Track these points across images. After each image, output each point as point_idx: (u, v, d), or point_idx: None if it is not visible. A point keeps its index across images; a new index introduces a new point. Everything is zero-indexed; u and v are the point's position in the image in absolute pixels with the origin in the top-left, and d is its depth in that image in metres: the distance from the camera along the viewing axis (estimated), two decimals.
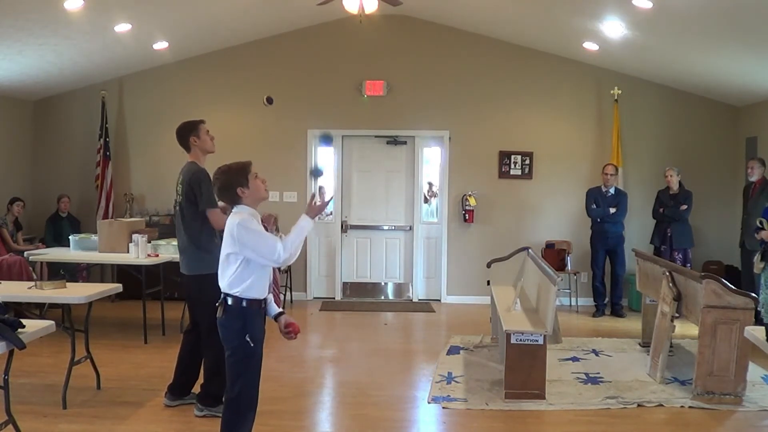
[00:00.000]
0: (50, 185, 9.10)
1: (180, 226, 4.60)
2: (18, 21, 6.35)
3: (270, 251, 3.27)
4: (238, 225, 3.28)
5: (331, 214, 9.18)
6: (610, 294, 8.36)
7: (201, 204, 4.46)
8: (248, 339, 3.32)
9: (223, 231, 4.40)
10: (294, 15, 8.41)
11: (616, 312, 8.24)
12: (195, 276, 4.53)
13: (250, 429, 3.43)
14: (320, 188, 3.39)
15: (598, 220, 8.20)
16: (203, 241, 4.51)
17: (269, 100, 4.95)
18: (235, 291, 3.32)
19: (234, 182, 3.38)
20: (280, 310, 3.56)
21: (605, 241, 8.18)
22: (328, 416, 4.92)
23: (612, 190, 8.22)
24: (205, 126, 4.69)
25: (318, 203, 3.40)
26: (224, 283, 3.37)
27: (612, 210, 8.10)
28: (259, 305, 3.40)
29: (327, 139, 4.17)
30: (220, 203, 4.33)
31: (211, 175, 3.55)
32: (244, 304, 3.33)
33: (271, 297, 3.54)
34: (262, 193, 3.47)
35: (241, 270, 3.31)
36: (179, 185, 4.57)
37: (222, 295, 3.39)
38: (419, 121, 9.02)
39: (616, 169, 8.31)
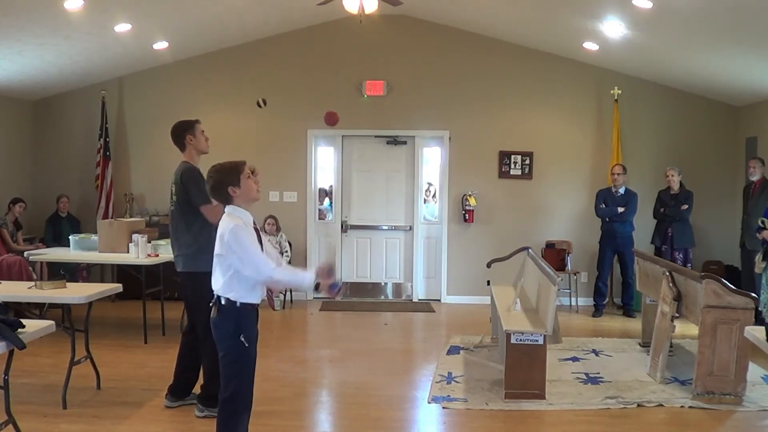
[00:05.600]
0: (50, 185, 9.10)
1: (175, 224, 4.60)
2: (18, 21, 6.36)
3: (256, 269, 3.25)
4: (231, 231, 3.26)
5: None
6: (621, 295, 8.35)
7: (194, 200, 4.45)
8: (243, 339, 3.31)
9: (199, 232, 4.44)
10: (294, 15, 8.41)
11: (627, 313, 8.23)
12: (189, 274, 4.54)
13: (245, 429, 3.43)
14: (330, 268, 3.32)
15: (607, 219, 8.20)
16: (200, 239, 4.50)
17: (262, 103, 4.86)
18: (229, 295, 3.32)
19: (226, 181, 3.36)
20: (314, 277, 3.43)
21: (614, 241, 8.16)
22: (328, 416, 4.92)
23: (622, 190, 8.21)
24: (201, 126, 4.69)
25: (331, 280, 3.31)
26: (217, 285, 3.36)
27: (620, 209, 8.09)
28: (253, 307, 3.39)
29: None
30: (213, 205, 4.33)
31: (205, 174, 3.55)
32: (238, 305, 3.32)
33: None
34: (253, 193, 3.44)
35: (233, 275, 3.30)
36: (173, 185, 4.59)
37: (215, 296, 3.39)
38: (419, 121, 9.02)
39: (624, 169, 8.28)
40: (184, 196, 4.50)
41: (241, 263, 3.26)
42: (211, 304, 3.41)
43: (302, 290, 3.35)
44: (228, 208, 3.40)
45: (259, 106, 4.95)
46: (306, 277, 3.35)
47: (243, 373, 3.36)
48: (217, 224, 3.41)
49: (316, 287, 3.34)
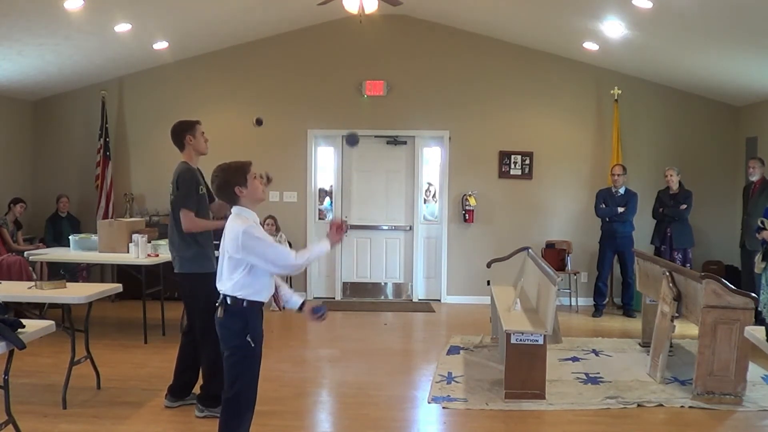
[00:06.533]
0: (50, 185, 9.10)
1: (173, 224, 4.60)
2: (18, 21, 6.36)
3: (282, 258, 3.28)
4: (243, 233, 3.24)
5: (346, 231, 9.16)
6: (621, 295, 8.36)
7: (176, 201, 4.45)
8: (249, 339, 3.31)
9: (194, 233, 4.45)
10: (294, 15, 8.42)
11: (627, 313, 8.23)
12: (187, 275, 4.54)
13: (247, 429, 3.43)
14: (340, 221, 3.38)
15: (607, 219, 8.19)
16: (201, 240, 4.51)
17: (258, 122, 4.89)
18: (238, 294, 3.31)
19: (232, 181, 3.36)
20: (303, 299, 3.58)
21: (614, 241, 8.16)
22: (328, 416, 4.93)
23: (622, 191, 8.22)
24: (201, 127, 4.69)
25: (338, 229, 3.37)
26: (226, 285, 3.35)
27: (620, 209, 8.09)
28: (260, 306, 3.40)
29: (352, 140, 4.02)
30: (218, 201, 4.34)
31: (210, 174, 3.55)
32: (245, 304, 3.32)
33: (286, 290, 3.60)
34: (259, 194, 3.46)
35: (245, 275, 3.29)
36: (171, 185, 4.60)
37: (221, 296, 3.39)
38: (419, 121, 9.02)
39: (624, 169, 8.28)
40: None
41: (263, 260, 3.26)
42: (217, 304, 3.41)
43: (324, 253, 3.44)
44: (235, 209, 3.40)
45: (257, 124, 4.97)
46: (323, 249, 3.39)
47: (248, 373, 3.36)
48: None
49: (301, 307, 3.50)
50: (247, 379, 3.36)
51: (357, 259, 9.24)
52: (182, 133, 4.62)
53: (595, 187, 8.62)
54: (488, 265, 6.93)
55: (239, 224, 3.29)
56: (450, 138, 9.04)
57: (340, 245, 3.19)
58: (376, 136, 9.13)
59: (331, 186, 9.28)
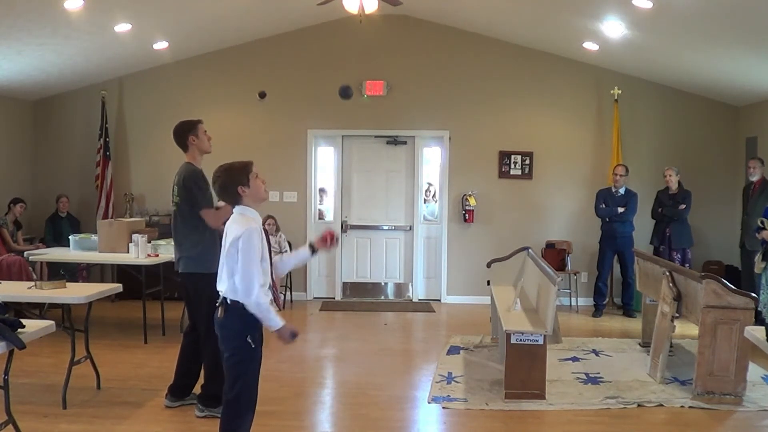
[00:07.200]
0: (50, 185, 9.10)
1: (176, 225, 4.60)
2: (18, 21, 6.36)
3: (250, 280, 3.22)
4: (245, 234, 3.24)
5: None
6: (621, 295, 8.36)
7: (197, 203, 4.45)
8: (249, 340, 3.31)
9: (220, 230, 4.43)
10: (294, 15, 8.42)
11: (627, 313, 8.23)
12: (191, 275, 4.54)
13: (248, 430, 3.42)
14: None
15: (607, 219, 8.20)
16: (205, 240, 4.51)
17: (262, 95, 4.88)
18: (234, 297, 3.31)
19: (235, 180, 3.37)
20: (308, 242, 3.60)
21: (614, 241, 8.16)
22: (328, 416, 4.92)
23: (622, 190, 8.22)
24: (203, 126, 4.69)
25: (291, 335, 3.33)
26: (223, 286, 3.36)
27: (620, 209, 8.09)
28: None
29: (345, 92, 3.83)
30: (221, 203, 4.34)
31: (212, 174, 3.55)
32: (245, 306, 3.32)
33: (290, 257, 3.64)
34: (261, 193, 3.46)
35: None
36: (175, 186, 4.59)
37: (221, 297, 3.38)
38: (419, 121, 9.02)
39: (626, 170, 8.28)
40: (188, 199, 4.49)
41: (240, 267, 3.24)
42: (217, 305, 3.40)
43: (265, 326, 3.32)
44: (238, 209, 3.40)
45: (261, 97, 4.99)
46: (276, 322, 3.28)
47: (248, 374, 3.36)
48: (218, 228, 3.39)
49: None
50: (247, 379, 3.35)
51: (357, 259, 9.24)
52: (185, 133, 4.62)
53: (595, 187, 8.62)
54: (488, 265, 6.93)
55: (241, 224, 3.30)
56: (450, 138, 9.04)
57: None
58: (376, 136, 9.13)
59: (332, 186, 9.24)
